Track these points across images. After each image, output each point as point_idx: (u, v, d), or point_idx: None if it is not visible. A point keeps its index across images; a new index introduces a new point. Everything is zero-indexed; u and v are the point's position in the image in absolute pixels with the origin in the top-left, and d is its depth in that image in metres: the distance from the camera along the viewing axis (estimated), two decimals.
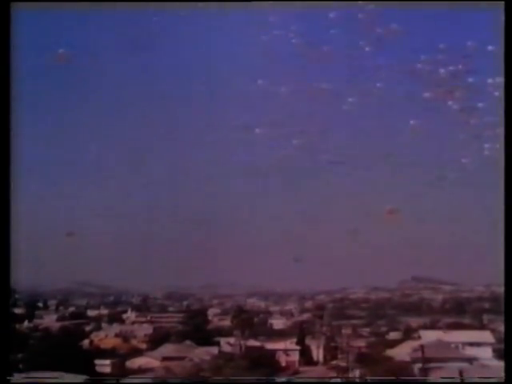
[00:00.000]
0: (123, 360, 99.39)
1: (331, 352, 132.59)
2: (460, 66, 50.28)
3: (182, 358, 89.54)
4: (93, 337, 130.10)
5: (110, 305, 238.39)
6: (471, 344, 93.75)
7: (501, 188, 24.64)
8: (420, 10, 51.12)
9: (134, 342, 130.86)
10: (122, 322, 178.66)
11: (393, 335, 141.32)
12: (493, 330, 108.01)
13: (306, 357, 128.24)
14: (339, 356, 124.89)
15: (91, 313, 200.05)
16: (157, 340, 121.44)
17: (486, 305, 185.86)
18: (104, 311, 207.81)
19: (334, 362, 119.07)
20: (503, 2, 27.30)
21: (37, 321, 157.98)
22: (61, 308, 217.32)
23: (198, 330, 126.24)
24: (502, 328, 62.46)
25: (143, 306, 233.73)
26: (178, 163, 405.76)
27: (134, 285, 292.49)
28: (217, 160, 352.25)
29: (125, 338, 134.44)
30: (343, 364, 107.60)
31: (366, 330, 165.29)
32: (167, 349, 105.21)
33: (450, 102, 52.04)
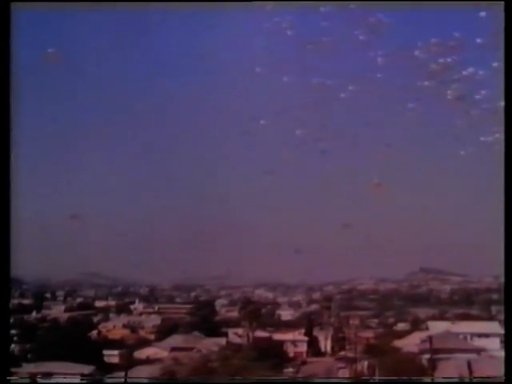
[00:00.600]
0: (131, 351, 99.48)
1: (339, 343, 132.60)
2: (453, 57, 50.18)
3: (190, 349, 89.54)
4: (101, 328, 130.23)
5: (117, 296, 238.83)
6: (479, 335, 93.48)
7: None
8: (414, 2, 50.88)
9: (141, 332, 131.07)
10: (130, 312, 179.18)
11: (401, 326, 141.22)
12: (501, 321, 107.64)
13: (313, 348, 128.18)
14: (347, 347, 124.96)
15: (99, 304, 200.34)
16: (165, 331, 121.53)
17: (495, 296, 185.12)
18: (112, 302, 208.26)
19: (342, 353, 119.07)
20: (503, 2, 26.96)
21: (45, 311, 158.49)
22: (69, 299, 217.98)
23: (206, 321, 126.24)
24: None
25: (151, 297, 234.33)
26: (188, 156, 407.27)
27: (142, 276, 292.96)
28: (224, 154, 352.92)
29: (133, 328, 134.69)
30: (351, 355, 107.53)
31: (374, 321, 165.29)
32: (175, 339, 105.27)
33: (446, 91, 52.00)
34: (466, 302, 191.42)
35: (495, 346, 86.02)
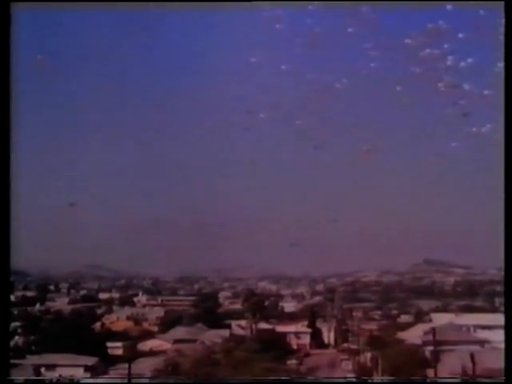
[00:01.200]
0: (135, 342, 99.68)
1: (342, 335, 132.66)
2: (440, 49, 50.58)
3: (193, 341, 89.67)
4: (104, 320, 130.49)
5: (121, 288, 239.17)
6: (483, 327, 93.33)
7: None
8: None
9: (145, 324, 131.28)
10: (134, 305, 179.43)
11: (404, 318, 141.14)
12: None
13: (317, 339, 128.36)
14: (350, 339, 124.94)
15: (103, 296, 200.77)
16: (168, 323, 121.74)
17: (498, 288, 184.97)
18: (115, 294, 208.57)
19: (345, 345, 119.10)
20: (503, 2, 26.83)
21: (49, 303, 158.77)
22: (72, 291, 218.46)
23: (210, 313, 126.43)
24: None
25: (154, 289, 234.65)
26: (192, 151, 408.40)
27: (146, 268, 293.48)
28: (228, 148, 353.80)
29: (136, 320, 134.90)
30: (354, 347, 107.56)
31: (377, 313, 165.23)
32: (179, 331, 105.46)
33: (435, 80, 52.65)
34: (469, 294, 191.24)
35: (498, 337, 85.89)
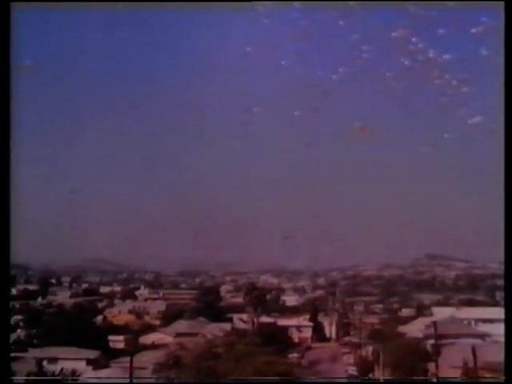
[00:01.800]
0: (136, 336, 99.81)
1: (344, 328, 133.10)
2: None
3: (195, 335, 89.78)
4: (106, 313, 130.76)
5: (122, 282, 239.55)
6: (484, 320, 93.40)
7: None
8: None
9: (147, 318, 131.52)
10: (135, 298, 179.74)
11: (405, 312, 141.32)
12: None
13: (318, 333, 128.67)
14: (352, 332, 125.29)
15: (104, 289, 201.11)
16: (170, 316, 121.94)
17: (499, 282, 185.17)
18: (117, 288, 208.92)
19: (347, 339, 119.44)
20: (503, 2, 26.82)
21: (50, 297, 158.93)
22: (74, 285, 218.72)
23: (211, 307, 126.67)
24: None
25: (156, 283, 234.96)
26: (192, 147, 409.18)
27: (147, 262, 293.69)
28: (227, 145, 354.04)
29: (138, 314, 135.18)
30: (355, 340, 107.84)
31: (378, 307, 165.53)
32: (180, 325, 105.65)
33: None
34: (470, 288, 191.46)
35: (499, 331, 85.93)
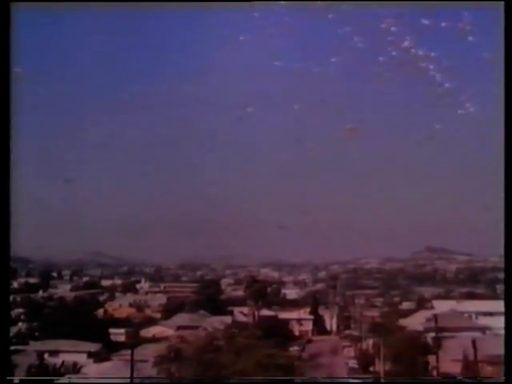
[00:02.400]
0: (137, 329, 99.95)
1: (344, 322, 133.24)
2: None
3: (195, 328, 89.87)
4: (107, 306, 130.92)
5: (123, 275, 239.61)
6: (484, 314, 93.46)
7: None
8: None
9: (148, 311, 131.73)
10: (136, 291, 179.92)
11: (406, 305, 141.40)
12: None
13: (319, 326, 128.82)
14: (352, 326, 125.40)
15: (105, 283, 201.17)
16: (171, 309, 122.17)
17: (500, 275, 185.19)
18: (118, 281, 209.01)
19: (347, 332, 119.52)
20: (503, 2, 26.70)
21: (51, 290, 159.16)
22: (75, 278, 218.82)
23: (212, 300, 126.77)
24: None
25: (157, 276, 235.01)
26: (189, 143, 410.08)
27: (148, 255, 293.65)
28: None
29: (139, 307, 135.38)
30: (356, 333, 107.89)
31: (379, 300, 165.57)
32: (181, 318, 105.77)
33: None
34: (471, 281, 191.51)
35: (500, 324, 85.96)
